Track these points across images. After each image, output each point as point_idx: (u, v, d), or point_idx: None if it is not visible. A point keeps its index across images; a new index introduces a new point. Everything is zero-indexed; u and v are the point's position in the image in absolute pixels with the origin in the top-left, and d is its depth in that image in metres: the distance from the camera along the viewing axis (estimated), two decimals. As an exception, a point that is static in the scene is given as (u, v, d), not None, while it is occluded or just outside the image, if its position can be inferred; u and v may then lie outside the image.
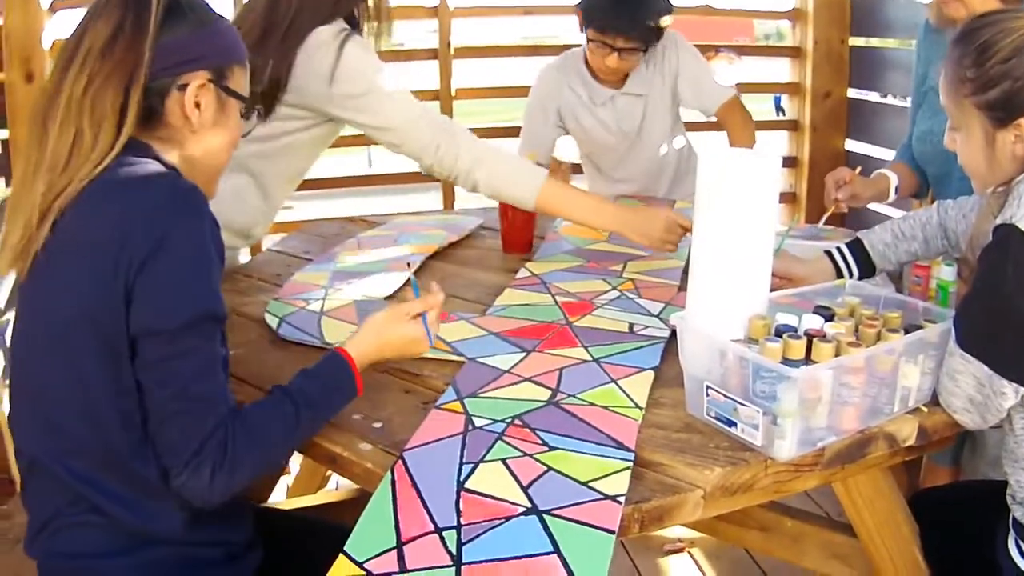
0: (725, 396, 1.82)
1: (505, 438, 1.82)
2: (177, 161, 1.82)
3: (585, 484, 1.67)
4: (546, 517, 1.59)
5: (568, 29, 3.64)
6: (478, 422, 1.88)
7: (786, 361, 1.76)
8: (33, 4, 4.00)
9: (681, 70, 3.84)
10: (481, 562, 1.51)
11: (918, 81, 3.20)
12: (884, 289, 2.26)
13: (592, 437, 1.83)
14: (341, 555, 1.55)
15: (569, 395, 1.99)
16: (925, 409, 1.98)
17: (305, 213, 4.01)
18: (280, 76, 2.57)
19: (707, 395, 1.87)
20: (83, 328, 1.66)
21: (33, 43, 3.96)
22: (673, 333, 2.25)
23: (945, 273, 2.43)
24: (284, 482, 3.71)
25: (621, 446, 1.79)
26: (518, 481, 1.68)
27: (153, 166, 1.75)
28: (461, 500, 1.64)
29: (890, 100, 5.06)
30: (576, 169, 4.25)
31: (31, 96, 3.97)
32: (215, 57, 1.83)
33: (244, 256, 3.22)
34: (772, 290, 2.02)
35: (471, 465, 1.74)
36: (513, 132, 4.07)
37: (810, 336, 1.81)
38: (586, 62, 3.82)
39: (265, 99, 2.56)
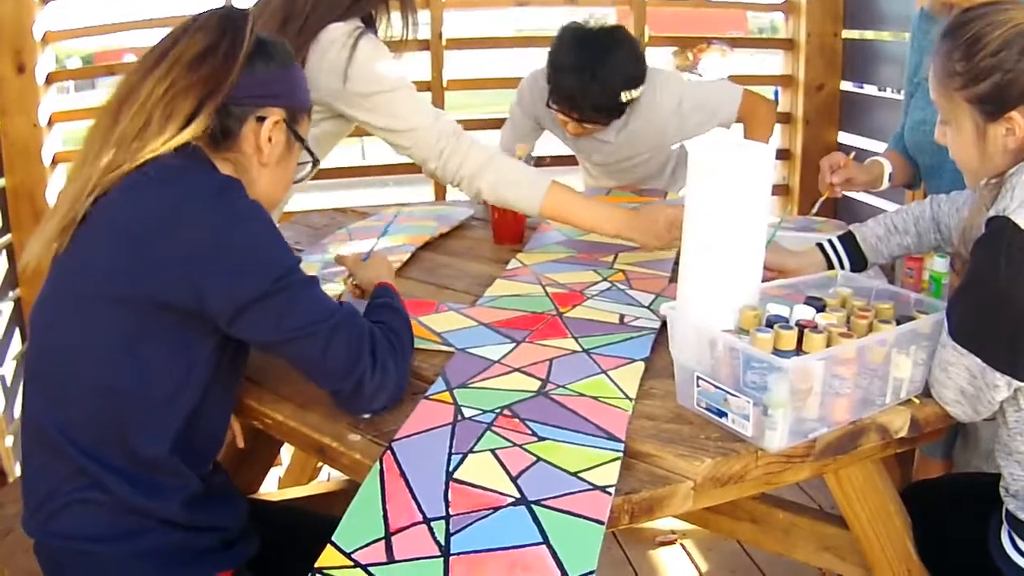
0: (716, 387, 1.81)
1: (494, 428, 1.81)
2: None
3: (574, 475, 1.66)
4: (535, 508, 1.58)
5: (562, 21, 3.58)
6: (467, 412, 1.88)
7: (777, 352, 1.75)
8: (24, -5, 3.98)
9: (681, 108, 3.66)
10: (469, 553, 1.50)
11: (911, 71, 3.19)
12: (876, 280, 2.25)
13: (582, 428, 1.82)
14: (329, 545, 1.54)
15: (559, 386, 1.99)
16: (917, 401, 1.97)
17: (297, 204, 4.01)
18: None
19: (697, 386, 1.86)
20: (110, 302, 1.73)
21: (24, 34, 3.94)
22: (664, 324, 2.23)
23: (938, 265, 2.43)
24: (275, 474, 3.71)
25: (611, 437, 1.78)
26: (507, 471, 1.68)
27: (206, 168, 1.84)
28: (450, 490, 1.63)
29: (883, 93, 5.04)
30: (559, 161, 4.24)
31: (22, 88, 3.95)
32: (292, 100, 1.97)
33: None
34: (763, 282, 2.01)
35: (460, 455, 1.73)
36: (501, 124, 4.04)
37: (801, 327, 1.80)
38: None
39: None
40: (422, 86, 4.60)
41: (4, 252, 3.90)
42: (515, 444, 1.76)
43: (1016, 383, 1.87)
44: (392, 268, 2.35)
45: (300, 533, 1.82)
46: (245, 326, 1.75)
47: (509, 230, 3.14)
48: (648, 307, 2.44)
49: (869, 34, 5.02)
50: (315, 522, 1.74)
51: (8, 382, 3.74)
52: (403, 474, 1.68)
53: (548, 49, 3.52)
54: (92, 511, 1.77)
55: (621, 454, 1.72)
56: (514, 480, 1.65)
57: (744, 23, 35.94)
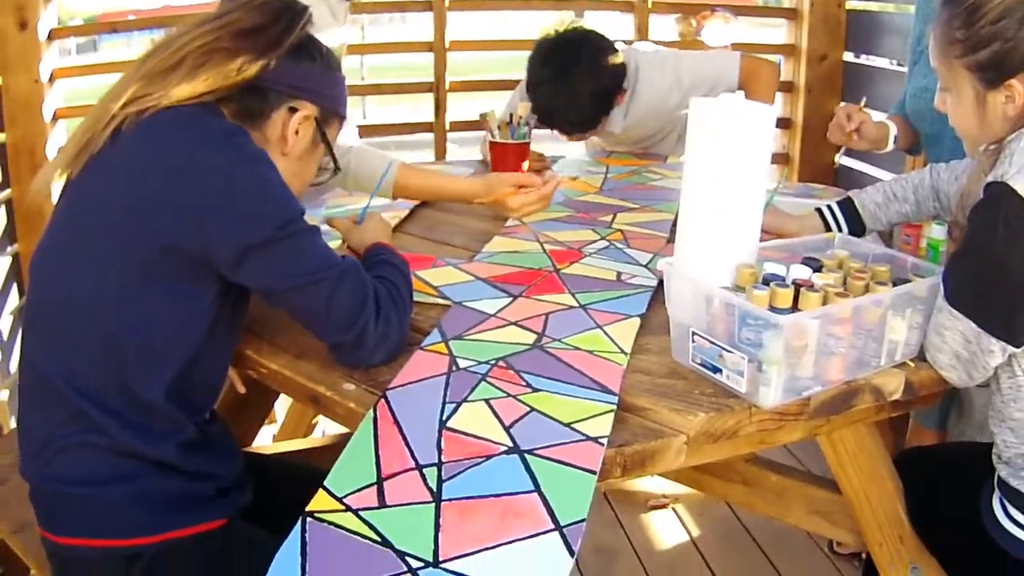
0: (711, 342, 1.81)
1: (489, 379, 1.82)
2: None
3: (568, 425, 1.67)
4: (528, 456, 1.58)
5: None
6: (462, 363, 1.88)
7: (773, 309, 1.74)
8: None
9: (681, 83, 3.62)
10: (461, 499, 1.51)
11: (915, 39, 3.18)
12: (874, 245, 2.24)
13: (576, 380, 1.82)
14: (321, 490, 1.55)
15: (554, 339, 1.98)
16: (912, 364, 1.97)
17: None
18: None
19: (692, 341, 1.86)
20: (115, 244, 1.73)
21: (26, -10, 3.92)
22: (660, 283, 2.24)
23: (936, 232, 2.42)
24: (269, 432, 3.71)
25: (605, 389, 1.78)
26: (500, 421, 1.68)
27: (217, 116, 1.84)
28: (443, 438, 1.64)
29: (886, 65, 5.02)
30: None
31: (24, 44, 3.93)
32: (328, 101, 1.99)
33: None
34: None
35: (454, 404, 1.73)
36: (509, 85, 4.02)
37: (798, 285, 1.79)
38: None
39: None
40: (424, 47, 4.60)
41: (3, 207, 3.90)
42: (509, 395, 1.76)
43: (1011, 348, 1.87)
44: (389, 228, 2.35)
45: (294, 484, 1.81)
46: (249, 272, 1.76)
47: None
48: (646, 265, 2.44)
49: (873, 5, 5.02)
50: (309, 473, 1.75)
51: (4, 337, 3.73)
52: (396, 422, 1.68)
53: None
54: (89, 454, 1.77)
55: (615, 407, 1.72)
56: (507, 429, 1.65)
57: (748, -7, 35.74)
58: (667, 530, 3.66)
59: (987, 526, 2.03)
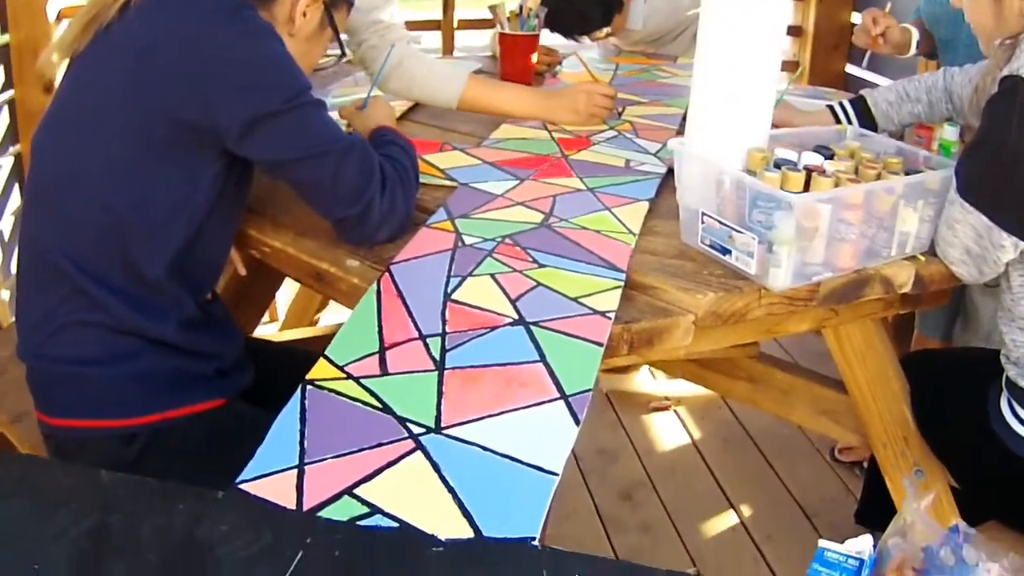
0: (721, 223, 1.79)
1: (495, 255, 1.79)
2: None
3: (574, 300, 1.65)
4: (533, 328, 1.56)
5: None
6: (468, 240, 1.85)
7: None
8: None
9: None
10: (465, 367, 1.48)
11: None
12: (885, 138, 2.21)
13: (584, 257, 1.80)
14: (321, 358, 1.53)
15: (562, 219, 1.96)
16: (922, 258, 1.95)
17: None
18: None
19: (702, 222, 1.83)
20: (119, 116, 1.71)
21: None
22: (670, 170, 2.20)
23: (948, 133, 2.39)
24: (272, 329, 3.70)
25: (613, 267, 1.76)
26: (506, 294, 1.66)
27: None
28: (447, 310, 1.61)
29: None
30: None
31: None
32: None
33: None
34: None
35: (459, 278, 1.71)
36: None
37: (809, 170, 1.76)
38: None
39: None
40: None
41: (6, 107, 3.85)
42: (515, 270, 1.74)
43: (1023, 244, 1.84)
44: (393, 112, 2.30)
45: (295, 369, 1.79)
46: (254, 144, 1.72)
47: (516, 71, 3.09)
48: (655, 154, 2.41)
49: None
50: (311, 358, 1.73)
51: (7, 237, 3.71)
52: (400, 294, 1.66)
53: None
54: (88, 333, 1.75)
55: (622, 283, 1.70)
56: (513, 302, 1.63)
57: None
58: (668, 432, 3.66)
59: (995, 428, 2.02)
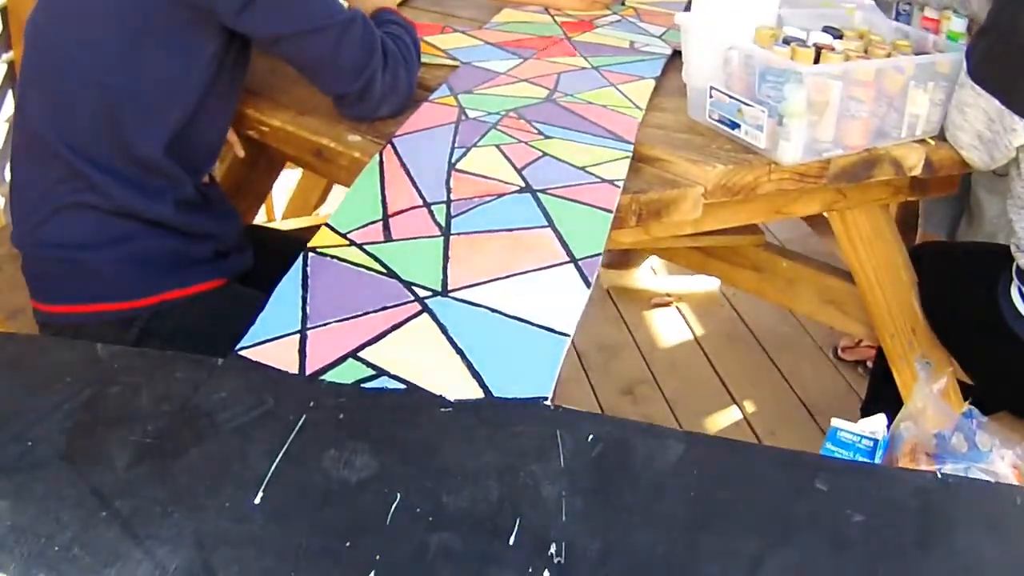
0: (730, 97, 1.75)
1: (500, 128, 1.76)
2: None
3: (582, 169, 1.61)
4: (540, 195, 1.53)
5: None
6: (472, 114, 1.82)
7: (794, 68, 1.68)
8: None
9: None
10: (471, 233, 1.45)
11: None
12: (894, 22, 2.16)
13: (590, 130, 1.76)
14: (323, 227, 1.49)
15: (567, 94, 1.92)
16: (932, 142, 1.91)
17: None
18: None
19: (711, 96, 1.80)
20: None
21: None
22: (675, 53, 2.17)
23: (955, 24, 2.34)
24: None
25: (620, 139, 1.72)
26: (512, 164, 1.62)
27: None
28: (452, 178, 1.58)
29: None
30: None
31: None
32: None
33: None
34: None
35: (463, 149, 1.67)
36: None
37: (819, 47, 1.73)
38: None
39: None
40: None
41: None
42: (521, 141, 1.71)
43: None
44: None
45: (295, 253, 1.77)
46: (253, 18, 1.67)
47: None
48: (659, 37, 2.37)
49: None
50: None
51: (1, 142, 3.66)
52: (403, 165, 1.63)
53: None
54: (84, 215, 1.72)
55: (630, 154, 1.67)
56: (519, 171, 1.60)
57: None
58: (670, 328, 3.64)
59: (1006, 318, 1.99)
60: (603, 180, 1.57)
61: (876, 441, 1.35)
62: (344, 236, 1.47)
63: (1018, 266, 1.97)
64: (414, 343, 1.25)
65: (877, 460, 1.33)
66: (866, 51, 1.82)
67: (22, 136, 1.80)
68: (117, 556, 0.95)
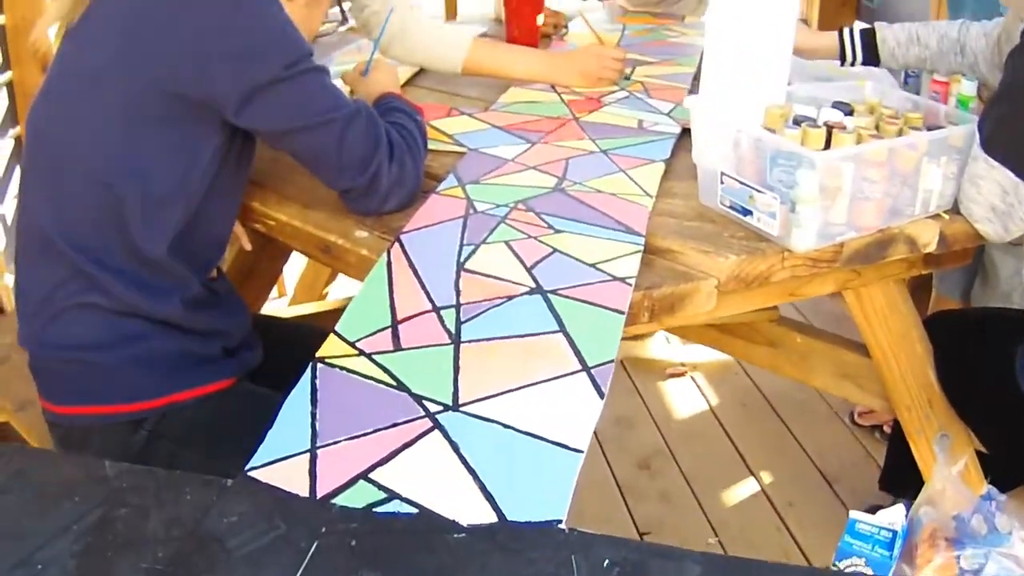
0: (741, 183, 1.73)
1: (508, 221, 1.73)
2: None
3: (592, 266, 1.59)
4: (551, 297, 1.50)
5: None
6: (480, 207, 1.79)
7: (805, 149, 1.66)
8: None
9: None
10: (481, 340, 1.42)
11: None
12: (905, 93, 2.15)
13: (600, 221, 1.74)
14: (332, 335, 1.47)
15: (576, 182, 1.90)
16: (946, 216, 1.89)
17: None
18: None
19: (721, 183, 1.78)
20: (113, 84, 1.64)
21: None
22: (684, 130, 2.15)
23: (966, 88, 2.34)
24: (281, 304, 3.66)
25: (631, 231, 1.70)
26: (522, 262, 1.60)
27: None
28: (461, 279, 1.56)
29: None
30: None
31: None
32: None
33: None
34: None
35: (472, 246, 1.65)
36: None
37: (830, 127, 1.71)
38: None
39: None
40: None
41: (4, 89, 3.81)
42: (530, 236, 1.68)
43: None
44: (397, 76, 2.23)
45: (305, 345, 1.75)
46: (255, 114, 1.66)
47: (522, 38, 3.03)
48: (668, 114, 2.35)
49: None
50: (321, 334, 1.69)
51: (9, 221, 3.66)
52: (411, 264, 1.60)
53: None
54: (90, 316, 1.70)
55: (641, 247, 1.65)
56: (529, 270, 1.57)
57: None
58: (685, 398, 3.62)
59: (1023, 386, 1.96)
60: (614, 278, 1.54)
61: (895, 532, 1.32)
62: (353, 345, 1.44)
63: (1033, 334, 1.95)
64: (425, 463, 1.22)
65: (896, 550, 1.30)
66: (877, 127, 1.80)
67: (25, 234, 1.78)
68: None
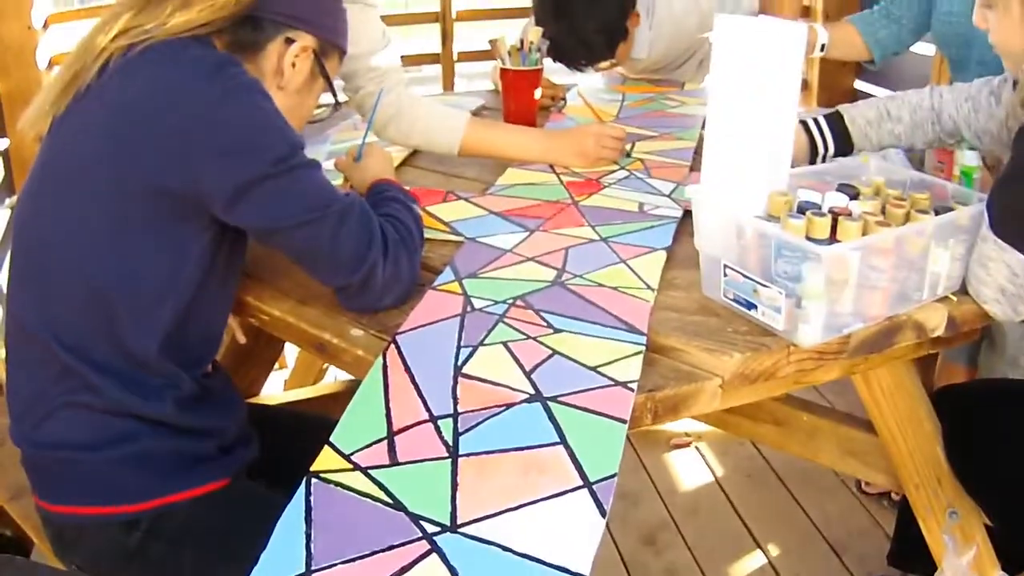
0: (745, 276, 1.70)
1: (506, 320, 1.70)
2: None
3: (594, 369, 1.55)
4: (551, 405, 1.47)
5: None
6: (477, 303, 1.76)
7: (810, 240, 1.62)
8: None
9: (699, 5, 3.51)
10: (480, 453, 1.39)
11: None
12: (911, 171, 2.12)
13: (601, 319, 1.70)
14: (326, 447, 1.44)
15: (575, 275, 1.87)
16: (954, 298, 1.86)
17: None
18: None
19: (724, 275, 1.74)
20: (98, 179, 1.64)
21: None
22: (686, 213, 2.12)
23: (968, 158, 2.31)
24: (280, 377, 3.63)
25: (632, 329, 1.66)
26: (520, 366, 1.56)
27: (205, 45, 1.73)
28: (458, 386, 1.52)
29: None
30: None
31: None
32: (327, 32, 1.87)
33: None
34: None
35: (469, 349, 1.61)
36: (520, 13, 3.91)
37: (835, 214, 1.67)
38: None
39: None
40: (431, 17, 4.55)
41: (0, 158, 3.80)
42: (529, 336, 1.64)
43: None
44: (391, 161, 2.21)
45: (302, 437, 1.73)
46: (244, 212, 1.64)
47: (520, 112, 3.00)
48: (669, 196, 2.32)
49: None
50: (318, 423, 1.66)
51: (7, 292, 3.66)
52: (408, 369, 1.57)
53: None
54: (81, 416, 1.69)
55: (643, 348, 1.61)
56: (528, 375, 1.54)
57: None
58: (690, 470, 3.58)
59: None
60: (616, 382, 1.51)
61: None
62: (348, 459, 1.41)
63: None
64: (423, 590, 1.19)
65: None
66: (883, 210, 1.77)
67: (12, 332, 1.76)
68: None
